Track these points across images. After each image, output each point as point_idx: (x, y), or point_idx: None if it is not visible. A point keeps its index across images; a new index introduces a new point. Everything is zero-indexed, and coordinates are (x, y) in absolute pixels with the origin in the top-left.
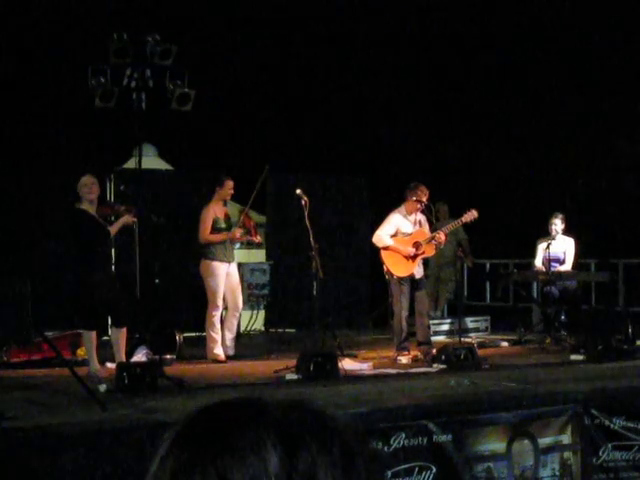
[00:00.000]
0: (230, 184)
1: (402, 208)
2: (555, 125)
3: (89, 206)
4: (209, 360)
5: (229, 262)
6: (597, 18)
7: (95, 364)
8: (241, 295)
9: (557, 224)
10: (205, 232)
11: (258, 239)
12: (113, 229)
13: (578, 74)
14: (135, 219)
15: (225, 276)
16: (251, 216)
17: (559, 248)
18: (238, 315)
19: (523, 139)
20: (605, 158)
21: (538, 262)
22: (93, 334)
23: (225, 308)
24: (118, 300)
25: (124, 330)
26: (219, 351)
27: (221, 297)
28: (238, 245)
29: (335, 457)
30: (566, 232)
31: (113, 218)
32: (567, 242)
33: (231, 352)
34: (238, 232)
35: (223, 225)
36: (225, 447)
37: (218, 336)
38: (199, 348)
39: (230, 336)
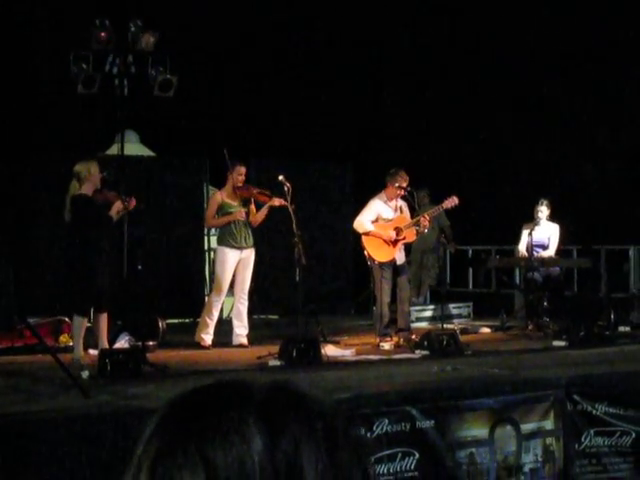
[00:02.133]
0: (241, 170)
1: (382, 194)
2: (539, 110)
3: (90, 192)
4: (194, 344)
5: (241, 248)
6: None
7: (80, 350)
8: (248, 282)
9: (542, 210)
10: (208, 217)
11: (279, 201)
12: (114, 215)
13: (564, 61)
14: (128, 206)
15: (235, 262)
16: (248, 187)
17: (543, 234)
18: (245, 303)
19: (506, 124)
20: (588, 145)
21: (522, 247)
22: (85, 320)
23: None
24: (107, 286)
25: (105, 315)
26: (205, 336)
27: (224, 284)
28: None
29: (318, 438)
30: (551, 218)
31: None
32: (552, 228)
33: (243, 340)
34: (239, 214)
35: (232, 209)
36: (208, 428)
37: (211, 322)
38: (182, 334)
39: (238, 324)
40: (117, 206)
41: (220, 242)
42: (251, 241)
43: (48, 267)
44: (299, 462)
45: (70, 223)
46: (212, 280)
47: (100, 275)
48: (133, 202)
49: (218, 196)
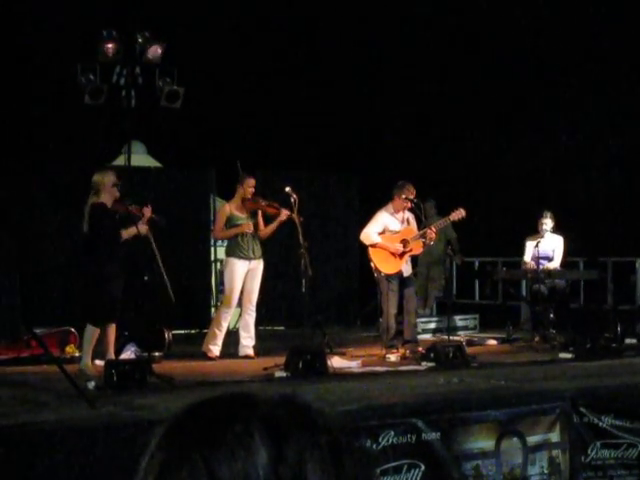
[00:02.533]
0: (250, 182)
1: (389, 206)
2: (544, 123)
3: (109, 202)
4: (200, 355)
5: (249, 259)
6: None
7: (88, 360)
8: (255, 294)
9: (547, 222)
10: (217, 229)
11: (286, 214)
12: (124, 233)
13: (568, 71)
14: (148, 229)
15: (243, 274)
16: (257, 199)
17: (548, 246)
18: (253, 314)
19: (512, 136)
20: (594, 156)
21: (527, 259)
22: (97, 330)
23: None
24: (120, 297)
25: (114, 326)
26: (213, 347)
27: (234, 295)
28: None
29: (323, 451)
30: (555, 230)
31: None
32: (556, 240)
33: (249, 352)
34: (247, 227)
35: (240, 222)
36: (213, 441)
37: (220, 334)
38: (188, 345)
39: (245, 335)
40: (141, 229)
41: (229, 253)
42: (259, 252)
43: (54, 277)
44: (304, 475)
45: (87, 233)
46: (218, 291)
47: (115, 285)
48: (149, 211)
49: (227, 208)
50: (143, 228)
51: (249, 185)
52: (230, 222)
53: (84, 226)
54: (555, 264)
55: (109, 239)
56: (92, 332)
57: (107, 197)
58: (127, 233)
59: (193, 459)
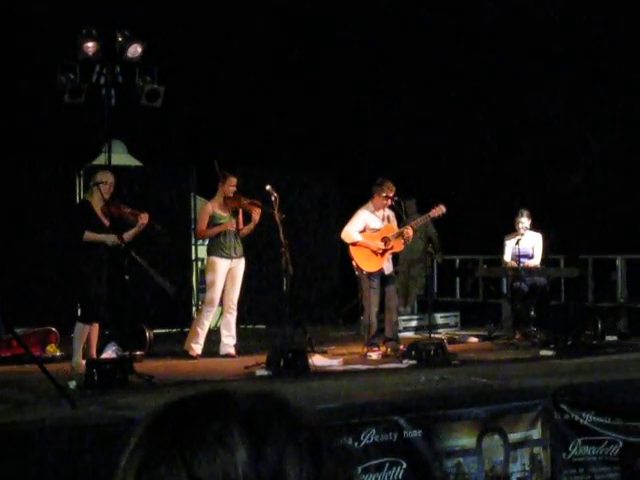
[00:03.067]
0: (232, 181)
1: (370, 204)
2: (523, 121)
3: (97, 202)
4: (181, 354)
5: (231, 258)
6: None
7: (79, 358)
8: (237, 292)
9: (523, 221)
10: (200, 229)
11: (256, 212)
12: (127, 235)
13: (547, 69)
14: (147, 222)
15: (225, 272)
16: (239, 198)
17: (527, 244)
18: (234, 313)
19: (491, 135)
20: (575, 154)
21: (507, 258)
22: (86, 328)
23: (221, 305)
24: (104, 296)
25: (97, 326)
26: (195, 346)
27: (216, 294)
28: None
29: (303, 449)
30: (533, 227)
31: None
32: (535, 237)
33: (230, 350)
34: (229, 224)
35: (223, 220)
36: (192, 438)
37: (202, 332)
38: (169, 344)
39: (226, 334)
40: (139, 229)
41: (210, 252)
42: (241, 251)
43: (35, 277)
44: (283, 472)
45: (68, 228)
46: (199, 290)
47: (97, 284)
48: (145, 218)
49: (209, 207)
50: (128, 238)
51: (231, 184)
52: (213, 221)
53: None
54: (535, 262)
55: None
56: (81, 330)
57: (99, 196)
58: (131, 235)
59: (172, 457)
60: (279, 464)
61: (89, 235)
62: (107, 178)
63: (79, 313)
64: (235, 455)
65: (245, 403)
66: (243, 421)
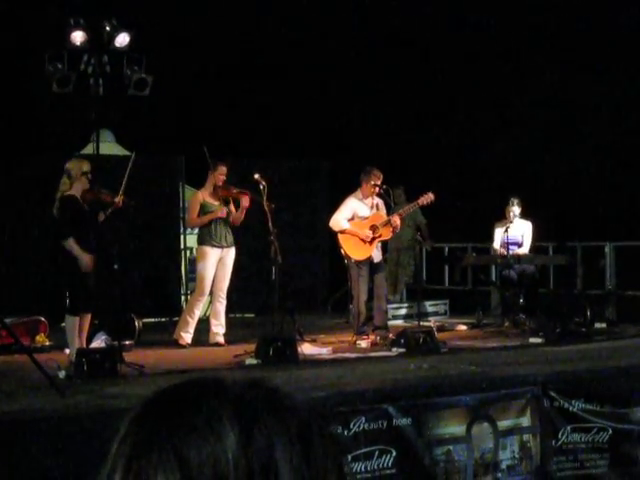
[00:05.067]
0: (222, 169)
1: (358, 192)
2: (512, 108)
3: (79, 192)
4: (170, 343)
5: (221, 247)
6: None
7: (74, 349)
8: (227, 281)
9: (514, 210)
10: (191, 217)
11: (245, 199)
12: (101, 215)
13: (535, 58)
14: (118, 204)
15: (215, 262)
16: (228, 187)
17: (517, 231)
18: (223, 302)
19: (480, 121)
20: (563, 141)
21: (497, 245)
22: (77, 319)
23: (211, 294)
24: (94, 286)
25: (89, 316)
26: (185, 335)
27: (206, 282)
28: None
29: (292, 434)
30: (523, 215)
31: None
32: (525, 225)
33: (219, 339)
34: (220, 211)
35: (213, 209)
36: (181, 425)
37: (192, 321)
38: (158, 334)
39: (215, 323)
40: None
41: (200, 241)
42: (231, 240)
43: (24, 267)
44: (273, 458)
45: (57, 223)
46: (188, 279)
47: (87, 275)
48: (122, 200)
49: (199, 196)
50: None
51: (220, 172)
52: (203, 210)
53: (55, 212)
54: (525, 250)
55: (78, 231)
56: (72, 322)
57: (78, 187)
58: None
59: (162, 444)
60: (269, 450)
61: (71, 244)
62: (89, 167)
63: (68, 305)
64: (225, 441)
65: (234, 389)
66: (232, 407)
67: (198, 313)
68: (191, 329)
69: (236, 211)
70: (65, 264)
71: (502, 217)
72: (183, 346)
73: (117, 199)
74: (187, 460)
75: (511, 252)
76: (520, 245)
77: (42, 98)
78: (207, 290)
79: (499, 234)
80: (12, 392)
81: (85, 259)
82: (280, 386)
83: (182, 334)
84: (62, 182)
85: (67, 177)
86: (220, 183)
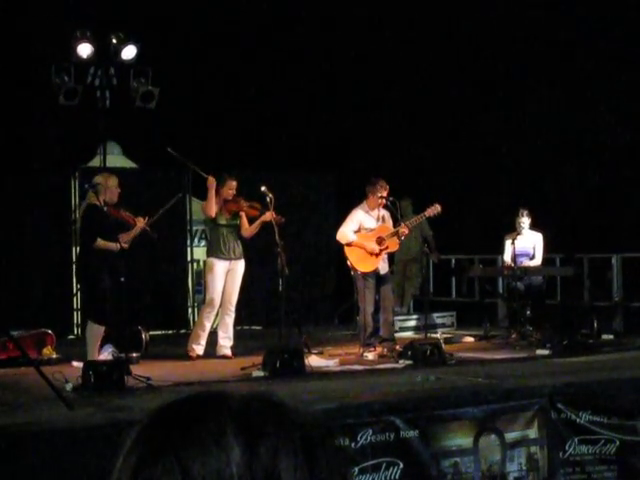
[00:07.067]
0: (232, 184)
1: (364, 204)
2: (521, 119)
3: (102, 204)
4: (177, 355)
5: (229, 259)
6: None
7: (94, 359)
8: (236, 294)
9: (524, 221)
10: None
11: (271, 215)
12: (124, 237)
13: (542, 69)
14: (146, 227)
15: (224, 274)
16: (238, 200)
17: (528, 243)
18: (232, 314)
19: (488, 134)
20: (571, 153)
21: (507, 257)
22: (102, 328)
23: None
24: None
25: (102, 328)
26: (197, 347)
27: (216, 295)
28: None
29: (297, 447)
30: (533, 227)
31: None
32: (535, 237)
33: (227, 352)
34: (269, 215)
35: (223, 222)
36: (186, 438)
37: (203, 334)
38: (165, 346)
39: (223, 335)
40: (134, 232)
41: (209, 254)
42: (240, 252)
43: (31, 279)
44: (277, 472)
45: (81, 230)
46: (195, 292)
47: (106, 287)
48: (144, 225)
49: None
50: (125, 241)
51: (230, 187)
52: (211, 224)
53: (78, 220)
54: (537, 262)
55: (98, 240)
56: (97, 330)
57: (102, 200)
58: (128, 237)
59: (167, 458)
60: (273, 464)
61: (100, 242)
62: (116, 182)
63: (92, 314)
64: (229, 455)
65: (239, 403)
66: (237, 421)
67: (209, 325)
68: (203, 341)
69: (249, 225)
70: (89, 275)
71: (512, 229)
72: (192, 358)
73: (139, 223)
74: (191, 473)
75: (520, 263)
76: (532, 257)
77: (49, 111)
78: (217, 302)
79: (509, 246)
80: (19, 405)
81: (115, 245)
82: (284, 399)
83: (194, 346)
84: (88, 195)
85: (93, 191)
86: (230, 197)
